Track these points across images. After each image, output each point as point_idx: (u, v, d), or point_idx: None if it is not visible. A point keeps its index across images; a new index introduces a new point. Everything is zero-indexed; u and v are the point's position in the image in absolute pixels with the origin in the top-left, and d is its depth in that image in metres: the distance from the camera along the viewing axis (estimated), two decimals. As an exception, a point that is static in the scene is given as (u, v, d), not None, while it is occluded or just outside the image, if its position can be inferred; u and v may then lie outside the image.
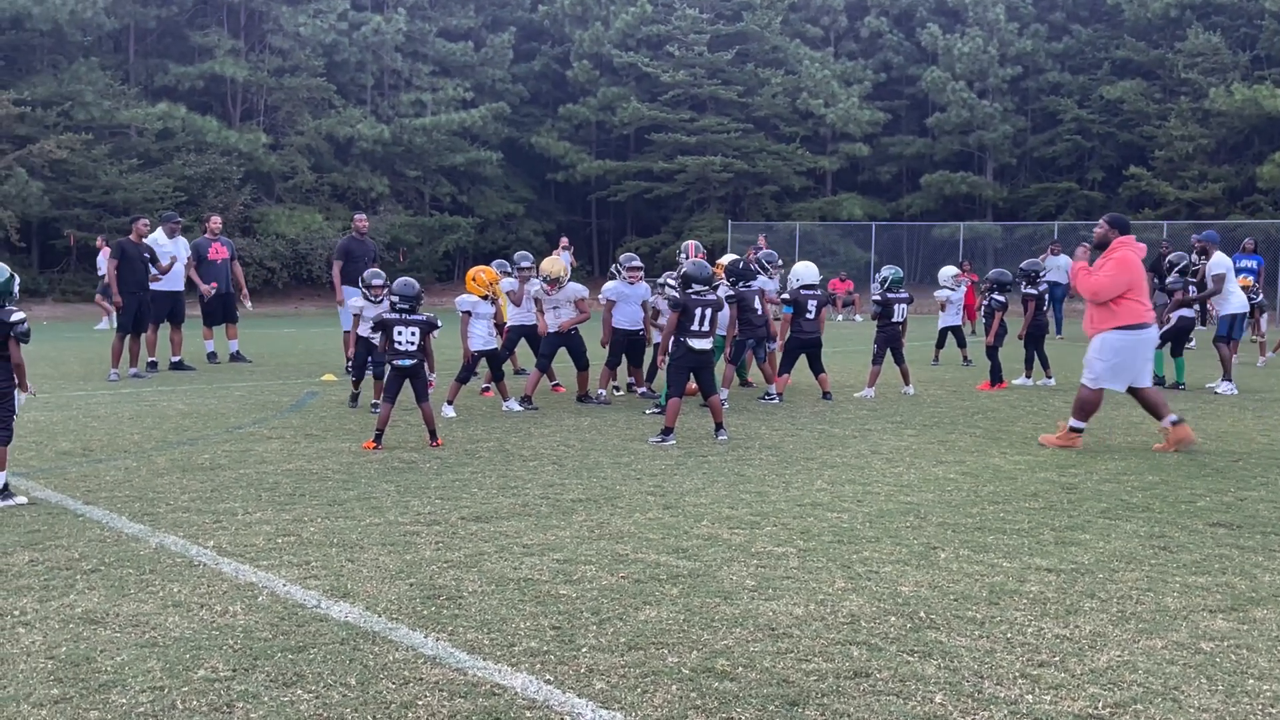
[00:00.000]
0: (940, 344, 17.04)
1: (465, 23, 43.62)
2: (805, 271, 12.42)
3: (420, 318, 9.18)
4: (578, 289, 11.92)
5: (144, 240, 14.24)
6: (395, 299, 9.19)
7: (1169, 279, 13.64)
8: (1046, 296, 14.26)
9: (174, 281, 14.97)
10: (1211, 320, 15.00)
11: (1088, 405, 9.38)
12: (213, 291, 15.87)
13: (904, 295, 12.72)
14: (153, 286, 14.33)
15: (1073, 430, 9.39)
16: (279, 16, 37.95)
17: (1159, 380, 12.89)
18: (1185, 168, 37.45)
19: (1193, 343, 14.33)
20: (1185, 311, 13.40)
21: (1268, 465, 8.48)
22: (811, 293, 12.21)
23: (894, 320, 12.58)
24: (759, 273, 12.74)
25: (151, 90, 37.12)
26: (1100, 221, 9.55)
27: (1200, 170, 37.29)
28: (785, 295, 12.57)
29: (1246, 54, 37.63)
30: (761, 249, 16.21)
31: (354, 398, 11.42)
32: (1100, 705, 3.91)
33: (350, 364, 11.52)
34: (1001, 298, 13.76)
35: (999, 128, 40.97)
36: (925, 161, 43.43)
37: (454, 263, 42.21)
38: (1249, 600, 5.11)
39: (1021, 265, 14.02)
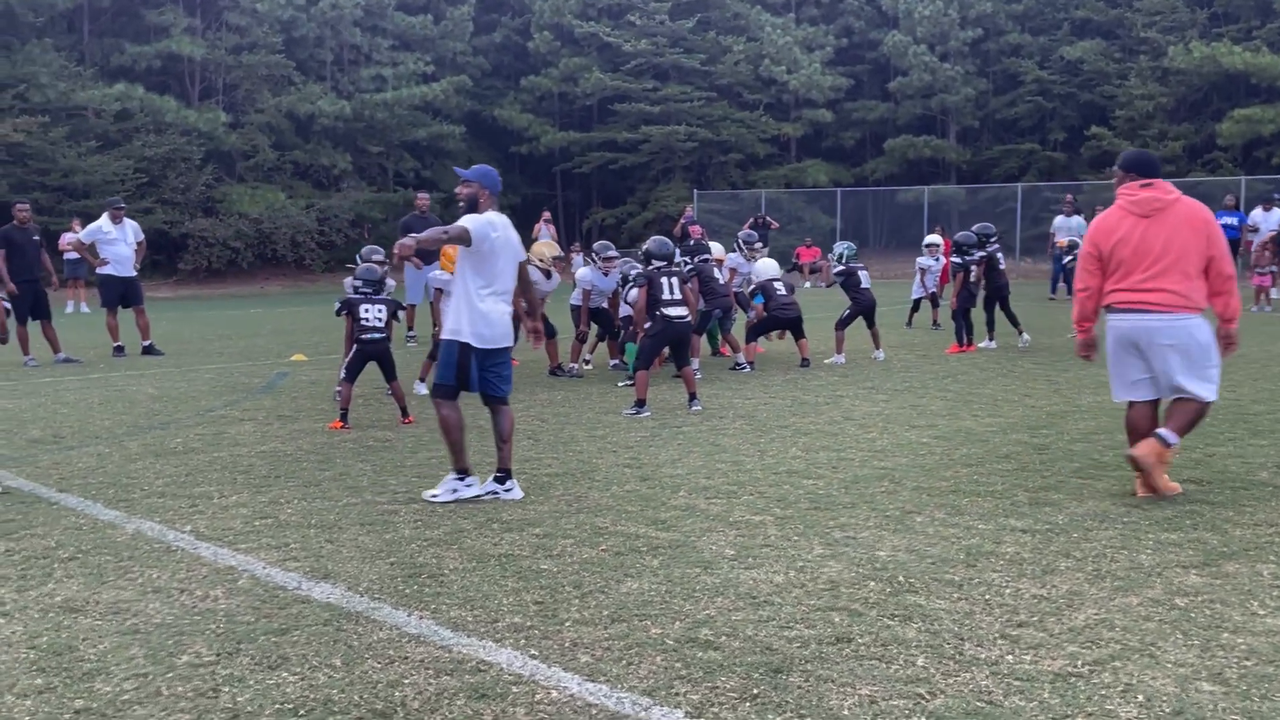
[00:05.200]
0: (915, 309, 17.16)
1: (424, -5, 43.28)
2: (765, 269, 12.98)
3: (384, 297, 9.23)
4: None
5: (29, 225, 14.21)
6: (358, 282, 9.22)
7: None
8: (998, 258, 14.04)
9: (124, 267, 14.70)
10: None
11: None
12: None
13: (861, 266, 13.04)
14: (101, 271, 14.74)
15: None
16: (235, -7, 37.47)
17: None
18: (1146, 126, 37.63)
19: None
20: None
21: (1234, 421, 8.58)
22: (774, 280, 12.66)
23: (863, 287, 12.76)
24: (709, 248, 13.14)
25: (108, 71, 36.53)
26: None
27: (1161, 128, 37.47)
28: (752, 287, 12.80)
29: (1204, 11, 37.78)
30: (689, 216, 17.01)
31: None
32: (1080, 663, 3.96)
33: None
34: (961, 260, 13.81)
35: (961, 90, 41.03)
36: (888, 126, 43.46)
37: (420, 238, 41.95)
38: (1220, 555, 5.18)
39: (956, 237, 14.17)
